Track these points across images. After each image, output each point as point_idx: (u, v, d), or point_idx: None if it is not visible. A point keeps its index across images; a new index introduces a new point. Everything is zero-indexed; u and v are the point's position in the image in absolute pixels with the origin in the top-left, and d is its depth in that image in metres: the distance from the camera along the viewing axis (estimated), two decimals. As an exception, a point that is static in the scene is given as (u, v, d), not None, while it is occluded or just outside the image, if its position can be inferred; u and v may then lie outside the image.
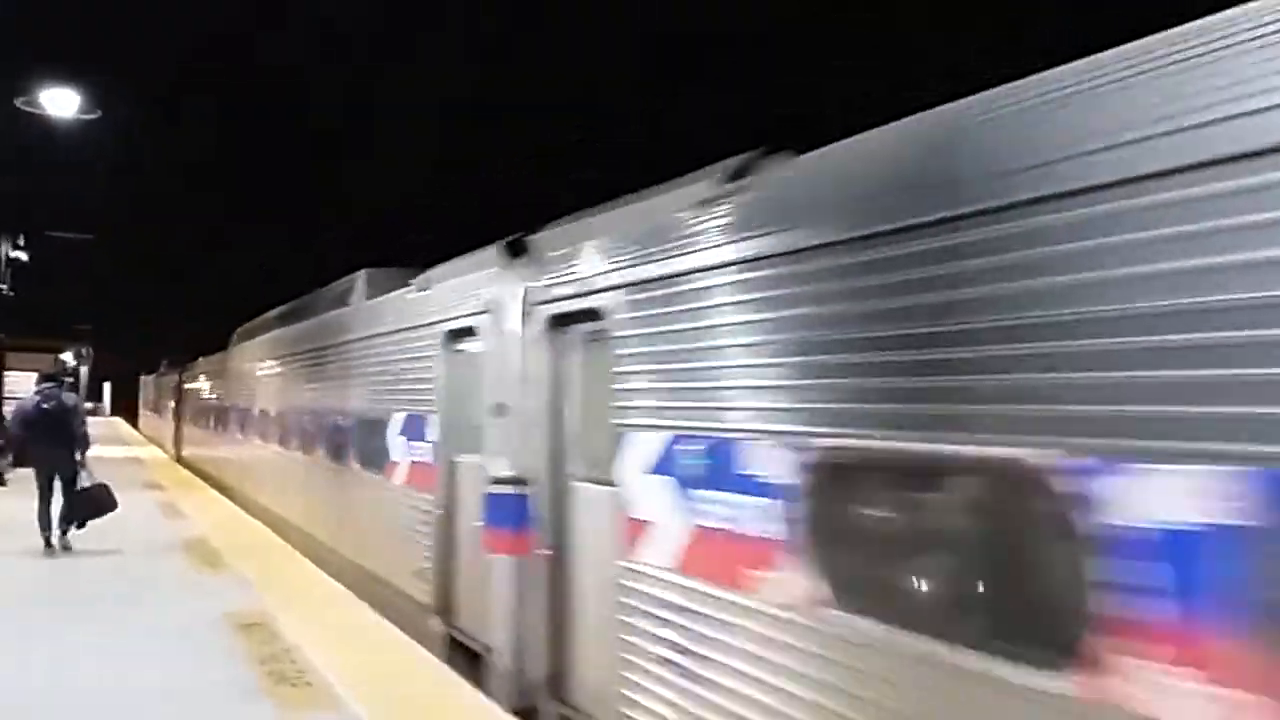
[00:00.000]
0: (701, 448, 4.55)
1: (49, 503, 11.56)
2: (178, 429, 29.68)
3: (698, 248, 4.72)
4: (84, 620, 7.99)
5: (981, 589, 3.28)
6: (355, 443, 10.40)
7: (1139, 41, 2.97)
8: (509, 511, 6.41)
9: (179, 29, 15.56)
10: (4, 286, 22.81)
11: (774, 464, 4.05)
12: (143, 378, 49.31)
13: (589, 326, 5.80)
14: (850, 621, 3.61)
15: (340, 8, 15.05)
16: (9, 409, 15.59)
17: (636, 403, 5.14)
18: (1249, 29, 2.61)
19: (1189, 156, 2.65)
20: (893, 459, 3.53)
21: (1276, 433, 2.39)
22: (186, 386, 27.96)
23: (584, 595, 5.93)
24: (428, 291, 8.71)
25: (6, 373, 23.24)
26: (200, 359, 25.82)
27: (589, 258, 5.81)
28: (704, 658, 4.41)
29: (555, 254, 6.26)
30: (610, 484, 5.34)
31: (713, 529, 4.42)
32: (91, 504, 11.64)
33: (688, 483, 4.64)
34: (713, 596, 4.38)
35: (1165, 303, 2.65)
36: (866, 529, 3.76)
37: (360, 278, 11.28)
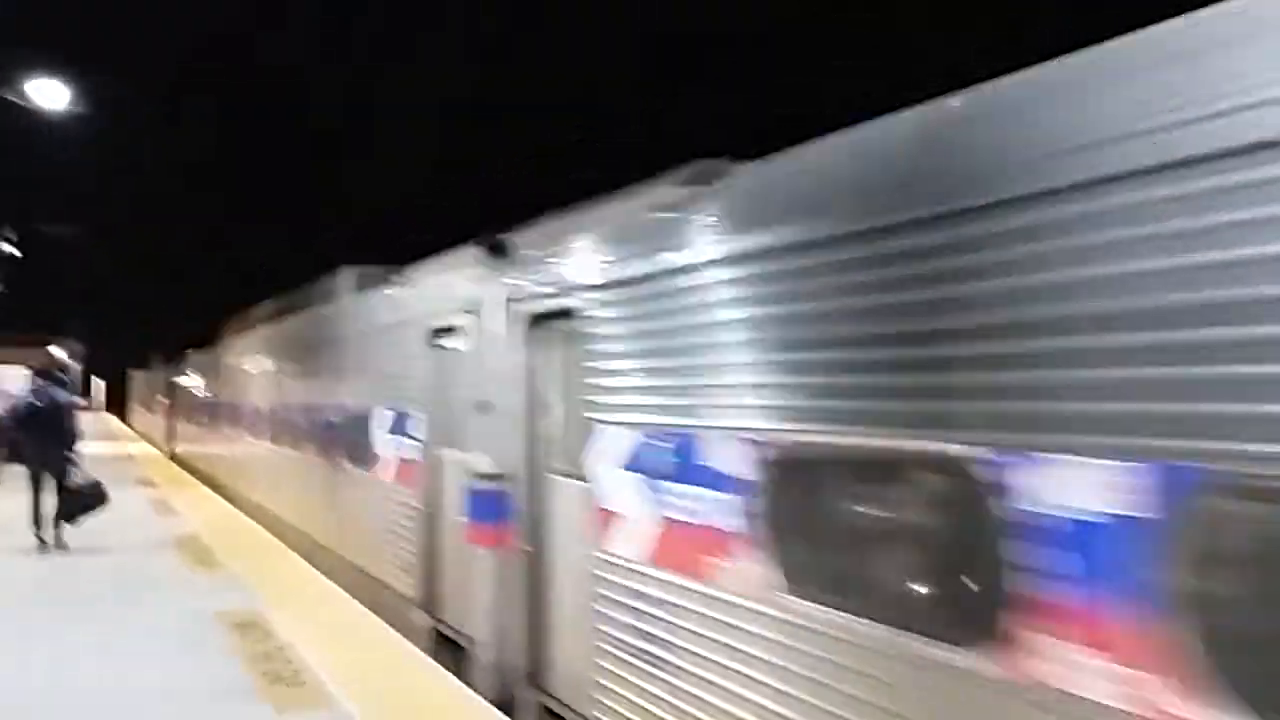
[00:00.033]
0: (668, 443, 4.76)
1: (40, 501, 11.67)
2: (170, 425, 29.78)
3: (659, 250, 4.91)
4: (81, 620, 8.17)
5: (913, 574, 3.50)
6: (342, 439, 10.58)
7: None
8: (490, 506, 6.61)
9: (179, 29, 15.68)
10: None
11: (733, 458, 4.26)
12: (134, 373, 49.31)
13: (564, 325, 6.00)
14: (802, 607, 3.83)
15: (340, 8, 15.16)
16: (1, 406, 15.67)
17: (606, 399, 5.34)
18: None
19: (1050, 182, 2.91)
20: (837, 453, 3.75)
21: (1173, 429, 2.60)
22: (178, 383, 28.03)
23: (560, 587, 6.13)
24: (411, 290, 8.88)
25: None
26: (191, 354, 25.85)
27: (562, 258, 6.00)
28: (672, 644, 4.63)
29: (533, 254, 6.45)
30: (584, 479, 5.55)
31: (680, 521, 4.63)
32: (82, 501, 11.76)
33: (655, 477, 4.85)
34: (680, 586, 4.59)
35: (1069, 310, 2.86)
36: (816, 519, 3.97)
37: (344, 274, 11.40)
